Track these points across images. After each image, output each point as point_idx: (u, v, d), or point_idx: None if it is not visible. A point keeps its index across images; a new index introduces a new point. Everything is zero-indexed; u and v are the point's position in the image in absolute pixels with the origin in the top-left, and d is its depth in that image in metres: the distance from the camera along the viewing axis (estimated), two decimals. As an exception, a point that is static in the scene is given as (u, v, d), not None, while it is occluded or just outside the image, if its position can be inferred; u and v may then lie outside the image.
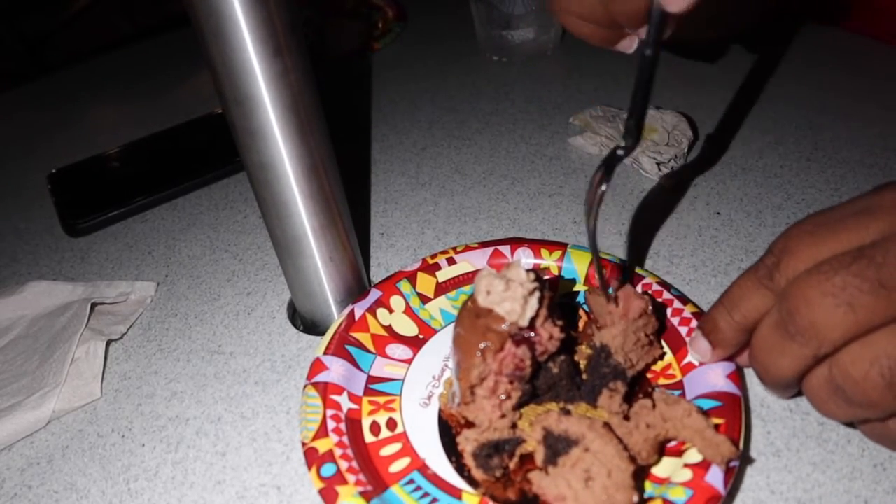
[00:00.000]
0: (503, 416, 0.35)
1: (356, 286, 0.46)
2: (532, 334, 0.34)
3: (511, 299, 0.33)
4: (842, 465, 0.35)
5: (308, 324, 0.47)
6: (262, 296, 0.50)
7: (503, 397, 0.35)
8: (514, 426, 0.36)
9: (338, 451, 0.35)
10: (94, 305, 0.49)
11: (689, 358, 0.38)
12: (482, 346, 0.33)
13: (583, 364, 0.39)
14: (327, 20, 0.86)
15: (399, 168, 0.61)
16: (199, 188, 0.62)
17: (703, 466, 0.32)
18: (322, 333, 0.46)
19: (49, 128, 0.77)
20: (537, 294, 0.33)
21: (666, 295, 0.41)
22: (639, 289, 0.42)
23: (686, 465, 0.33)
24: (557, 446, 0.33)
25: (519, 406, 0.36)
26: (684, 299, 0.41)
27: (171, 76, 0.83)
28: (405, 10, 0.87)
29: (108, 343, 0.47)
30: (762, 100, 0.63)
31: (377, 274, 0.50)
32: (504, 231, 0.53)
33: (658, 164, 0.55)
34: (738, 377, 0.36)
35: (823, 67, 0.66)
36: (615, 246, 0.50)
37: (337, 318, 0.43)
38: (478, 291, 0.34)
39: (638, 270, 0.43)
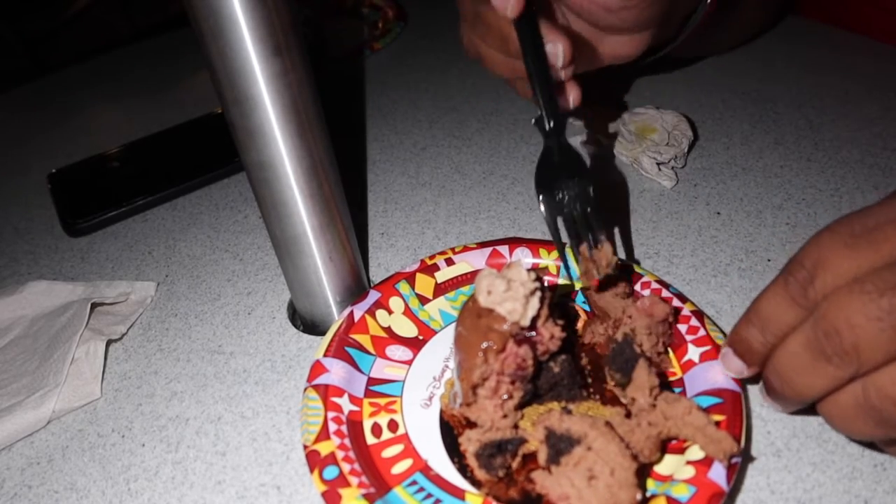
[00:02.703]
0: (505, 415, 0.35)
1: (356, 286, 0.46)
2: (533, 334, 0.34)
3: (512, 299, 0.33)
4: (842, 465, 0.35)
5: (308, 324, 0.47)
6: (262, 296, 0.50)
7: (505, 397, 0.35)
8: (516, 426, 0.36)
9: (340, 454, 0.35)
10: (94, 305, 0.49)
11: (689, 356, 0.38)
12: (484, 346, 0.33)
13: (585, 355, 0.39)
14: (327, 20, 0.86)
15: (399, 168, 0.61)
16: (199, 188, 0.62)
17: (706, 463, 0.32)
18: (322, 333, 0.46)
19: (49, 128, 0.77)
20: (538, 294, 0.33)
21: (665, 293, 0.41)
22: (637, 287, 0.42)
23: (688, 462, 0.33)
24: (560, 445, 0.33)
25: (521, 406, 0.36)
26: (683, 297, 0.41)
27: (171, 76, 0.83)
28: (405, 10, 0.87)
29: (108, 343, 0.47)
30: (762, 100, 0.63)
31: (377, 274, 0.50)
32: (504, 231, 0.53)
33: (658, 164, 0.55)
34: None
35: (823, 68, 0.66)
36: (615, 246, 0.50)
37: (336, 320, 0.42)
38: (478, 291, 0.34)
39: (636, 269, 0.43)
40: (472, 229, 0.53)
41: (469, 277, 0.46)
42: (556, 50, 0.40)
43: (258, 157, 0.38)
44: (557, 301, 0.36)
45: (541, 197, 0.39)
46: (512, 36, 0.40)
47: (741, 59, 0.69)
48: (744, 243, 0.49)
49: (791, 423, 0.37)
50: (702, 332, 0.39)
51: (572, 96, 0.42)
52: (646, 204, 0.53)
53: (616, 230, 0.51)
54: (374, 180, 0.60)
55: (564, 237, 0.40)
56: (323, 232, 0.41)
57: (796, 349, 0.30)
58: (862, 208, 0.30)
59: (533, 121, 0.39)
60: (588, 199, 0.38)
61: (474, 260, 0.46)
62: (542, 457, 0.33)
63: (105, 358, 0.46)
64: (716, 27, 0.59)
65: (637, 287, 0.42)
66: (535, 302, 0.33)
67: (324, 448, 0.35)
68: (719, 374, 0.36)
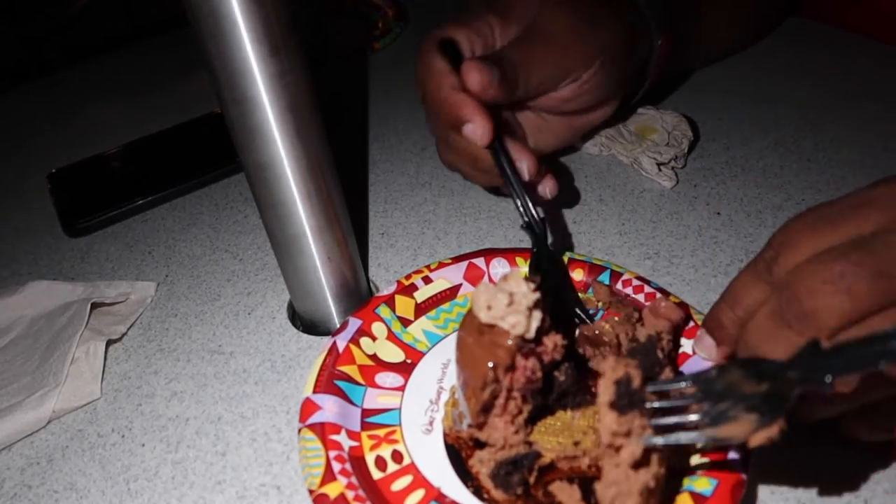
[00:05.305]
0: (517, 431, 0.34)
1: (355, 286, 0.46)
2: (537, 345, 0.33)
3: (515, 312, 0.32)
4: (842, 465, 0.35)
5: (307, 324, 0.47)
6: (262, 296, 0.50)
7: (515, 412, 0.34)
8: (528, 441, 0.35)
9: (350, 494, 0.33)
10: (94, 305, 0.49)
11: (682, 348, 0.39)
12: (491, 364, 0.32)
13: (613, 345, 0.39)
14: (327, 20, 0.86)
15: (399, 168, 0.61)
16: (199, 188, 0.62)
17: (721, 454, 0.32)
18: (322, 334, 0.46)
19: (49, 128, 0.77)
20: (540, 304, 0.32)
21: (647, 289, 0.42)
22: (619, 285, 0.43)
23: (703, 454, 0.33)
24: (634, 398, 0.30)
25: (531, 419, 0.35)
26: (665, 292, 0.41)
27: (171, 76, 0.83)
28: (405, 10, 0.87)
29: (108, 343, 0.47)
30: (762, 100, 0.63)
31: (377, 274, 0.50)
32: (504, 231, 0.53)
33: (658, 164, 0.55)
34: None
35: (823, 68, 0.66)
36: (615, 246, 0.50)
37: (319, 354, 0.41)
38: (477, 308, 0.33)
39: (615, 267, 0.43)
40: (472, 229, 0.53)
41: (448, 294, 0.45)
42: (523, 167, 0.45)
43: (257, 158, 0.38)
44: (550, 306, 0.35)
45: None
46: (481, 156, 0.45)
47: (741, 60, 0.69)
48: (744, 243, 0.49)
49: (791, 422, 0.37)
50: (691, 324, 0.39)
51: (548, 189, 0.48)
52: (646, 204, 0.53)
53: (616, 230, 0.51)
54: (374, 180, 0.60)
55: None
56: (322, 232, 0.41)
57: (762, 320, 0.31)
58: (831, 200, 0.32)
59: (521, 226, 0.44)
60: (574, 295, 0.43)
61: (451, 275, 0.45)
62: (606, 397, 0.30)
63: (105, 358, 0.46)
64: (684, 56, 0.61)
65: (618, 285, 0.43)
66: (538, 313, 0.32)
67: (332, 490, 0.33)
68: (716, 362, 0.36)
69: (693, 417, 0.29)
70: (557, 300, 0.41)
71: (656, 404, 0.30)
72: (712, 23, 0.63)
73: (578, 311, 0.41)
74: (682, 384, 0.30)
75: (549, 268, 0.43)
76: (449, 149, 0.49)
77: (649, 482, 0.30)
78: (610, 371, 0.30)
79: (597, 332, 0.39)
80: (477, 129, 0.44)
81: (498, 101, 0.45)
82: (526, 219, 0.43)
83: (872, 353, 0.23)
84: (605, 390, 0.30)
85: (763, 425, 0.27)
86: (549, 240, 0.44)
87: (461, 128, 0.44)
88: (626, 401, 0.30)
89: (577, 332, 0.39)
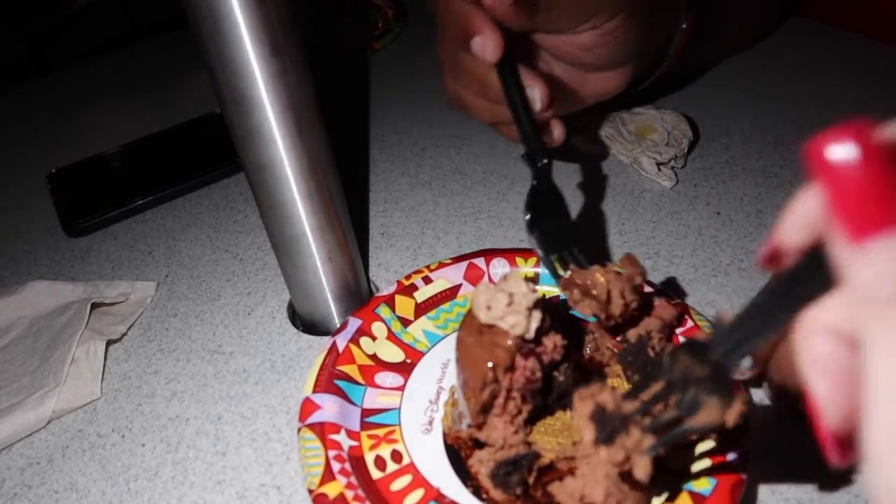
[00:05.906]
0: (516, 431, 0.34)
1: (355, 286, 0.46)
2: (537, 345, 0.33)
3: (515, 312, 0.32)
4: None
5: (307, 324, 0.47)
6: (262, 296, 0.50)
7: (515, 412, 0.34)
8: (527, 441, 0.35)
9: (349, 494, 0.33)
10: (94, 305, 0.49)
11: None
12: (490, 364, 0.32)
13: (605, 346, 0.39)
14: (327, 20, 0.86)
15: (399, 168, 0.61)
16: (199, 188, 0.62)
17: (720, 453, 0.33)
18: (321, 334, 0.46)
19: (49, 128, 0.77)
20: (540, 304, 0.32)
21: (647, 289, 0.42)
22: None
23: (702, 454, 0.33)
24: (614, 423, 0.30)
25: (530, 420, 0.35)
26: (662, 291, 0.42)
27: (171, 76, 0.83)
28: (405, 10, 0.87)
29: (108, 343, 0.47)
30: (762, 99, 0.63)
31: (377, 274, 0.50)
32: (504, 231, 0.53)
33: (658, 164, 0.55)
34: None
35: (823, 68, 0.66)
36: (615, 246, 0.50)
37: (319, 354, 0.41)
38: (477, 308, 0.33)
39: (615, 267, 0.43)
40: (472, 229, 0.53)
41: (448, 294, 0.45)
42: (534, 95, 0.42)
43: (257, 158, 0.38)
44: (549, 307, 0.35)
45: (535, 235, 0.40)
46: (492, 81, 0.43)
47: (741, 59, 0.69)
48: (744, 243, 0.49)
49: (791, 422, 0.37)
50: (690, 324, 0.39)
51: (556, 133, 0.45)
52: (646, 204, 0.53)
53: (616, 230, 0.51)
54: (374, 180, 0.60)
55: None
56: (322, 232, 0.41)
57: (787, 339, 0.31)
58: None
59: (522, 156, 0.41)
60: (575, 240, 0.40)
61: (451, 275, 0.45)
62: (589, 436, 0.30)
63: (105, 358, 0.46)
64: (702, 45, 0.60)
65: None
66: (538, 313, 0.32)
67: (331, 490, 0.34)
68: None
69: (671, 413, 0.28)
70: (556, 241, 0.40)
71: (637, 410, 0.29)
72: (725, 13, 0.62)
73: (576, 254, 0.40)
74: (651, 383, 0.29)
75: (547, 204, 0.41)
76: (455, 75, 0.46)
77: (613, 468, 0.30)
78: (581, 409, 0.30)
79: (588, 281, 0.37)
80: (486, 43, 0.41)
81: (512, 23, 0.42)
82: (528, 149, 0.41)
83: (769, 318, 0.23)
84: (585, 430, 0.30)
85: (727, 405, 0.26)
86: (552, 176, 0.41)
87: (470, 43, 0.42)
88: (607, 431, 0.29)
89: (568, 273, 0.37)
